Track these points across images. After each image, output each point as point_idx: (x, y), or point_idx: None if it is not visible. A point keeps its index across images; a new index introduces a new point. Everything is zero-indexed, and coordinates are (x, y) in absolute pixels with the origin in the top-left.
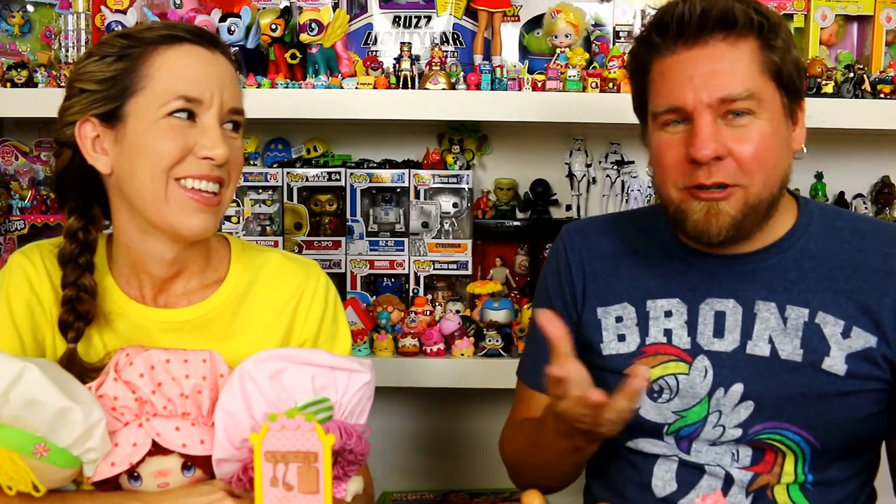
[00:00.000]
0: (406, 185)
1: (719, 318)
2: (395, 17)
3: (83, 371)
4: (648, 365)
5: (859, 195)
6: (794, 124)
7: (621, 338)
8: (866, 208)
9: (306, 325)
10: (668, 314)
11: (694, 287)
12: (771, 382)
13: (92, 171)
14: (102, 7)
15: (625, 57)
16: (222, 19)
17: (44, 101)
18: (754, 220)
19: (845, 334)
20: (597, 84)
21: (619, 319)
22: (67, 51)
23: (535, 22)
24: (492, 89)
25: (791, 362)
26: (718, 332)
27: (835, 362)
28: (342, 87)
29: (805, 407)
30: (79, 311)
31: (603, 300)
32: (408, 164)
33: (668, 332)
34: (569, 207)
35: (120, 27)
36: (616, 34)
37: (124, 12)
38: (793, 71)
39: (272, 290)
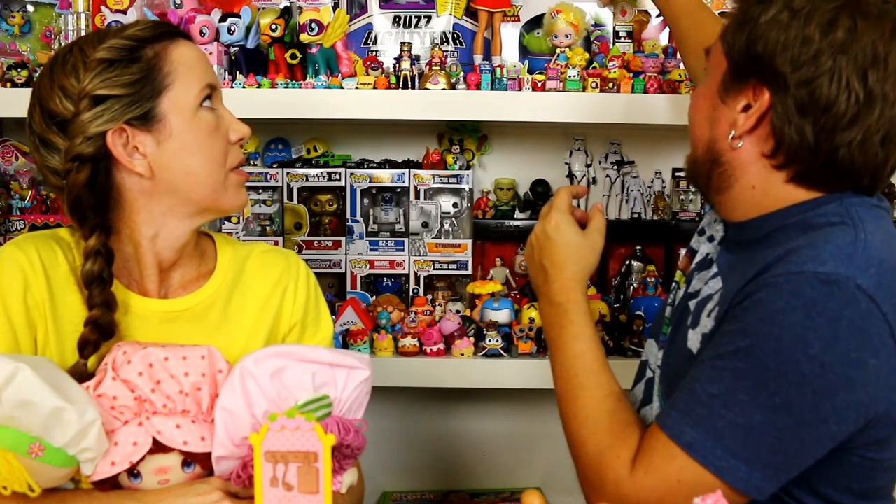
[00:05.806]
0: (406, 185)
1: (702, 263)
2: (395, 17)
3: (79, 368)
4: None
5: None
6: (736, 108)
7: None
8: None
9: (294, 310)
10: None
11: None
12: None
13: (105, 181)
14: (102, 7)
15: (624, 57)
16: (222, 19)
17: None
18: (696, 174)
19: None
20: (597, 84)
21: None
22: None
23: (535, 22)
24: (492, 89)
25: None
26: (694, 272)
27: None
28: (342, 87)
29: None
30: (103, 327)
31: None
32: (408, 164)
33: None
34: None
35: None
36: (616, 34)
37: (124, 12)
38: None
39: (259, 278)
